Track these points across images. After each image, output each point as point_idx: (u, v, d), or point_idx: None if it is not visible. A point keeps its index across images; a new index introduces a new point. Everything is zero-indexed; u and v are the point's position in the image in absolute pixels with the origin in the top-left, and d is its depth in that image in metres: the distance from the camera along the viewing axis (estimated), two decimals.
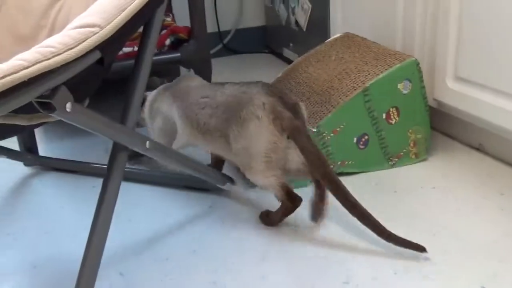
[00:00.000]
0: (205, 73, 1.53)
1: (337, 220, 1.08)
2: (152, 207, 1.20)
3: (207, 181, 1.11)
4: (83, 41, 0.59)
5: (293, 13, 2.05)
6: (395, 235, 0.96)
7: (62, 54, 0.58)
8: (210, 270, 0.96)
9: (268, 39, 2.41)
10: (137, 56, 0.85)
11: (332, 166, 1.23)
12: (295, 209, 1.06)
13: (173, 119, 1.16)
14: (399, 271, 0.92)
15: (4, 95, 0.58)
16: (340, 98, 1.23)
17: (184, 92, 1.16)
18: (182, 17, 1.82)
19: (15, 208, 1.22)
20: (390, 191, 1.20)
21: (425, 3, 1.32)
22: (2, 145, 1.31)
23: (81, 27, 0.61)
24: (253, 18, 2.43)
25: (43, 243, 1.08)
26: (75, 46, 0.59)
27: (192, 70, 1.52)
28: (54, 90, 0.62)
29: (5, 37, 1.02)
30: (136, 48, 1.43)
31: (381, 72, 1.23)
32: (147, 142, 0.84)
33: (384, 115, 1.25)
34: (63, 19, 0.97)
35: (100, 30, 0.61)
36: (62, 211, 1.20)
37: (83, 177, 1.34)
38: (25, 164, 1.40)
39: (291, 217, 1.10)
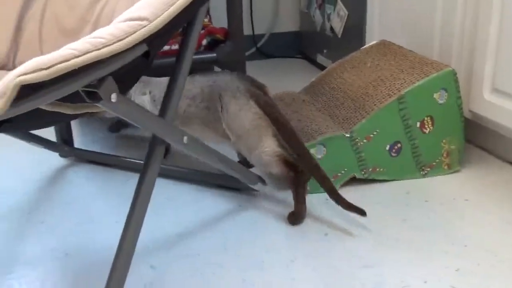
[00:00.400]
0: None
1: (369, 229, 1.08)
2: (182, 203, 1.21)
3: (239, 179, 1.12)
4: (132, 34, 0.61)
5: (329, 19, 2.05)
6: (342, 198, 1.08)
7: (112, 45, 0.59)
8: (240, 268, 0.97)
9: (302, 45, 2.41)
10: (179, 53, 0.86)
11: (363, 172, 1.23)
12: (300, 179, 1.12)
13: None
14: (430, 280, 0.92)
15: (54, 83, 0.60)
16: (375, 104, 1.22)
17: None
18: (218, 19, 1.84)
19: (50, 198, 1.25)
20: (421, 200, 1.19)
21: (464, 12, 1.31)
22: (41, 136, 1.34)
23: (130, 20, 0.62)
24: (288, 23, 2.44)
25: (75, 232, 1.10)
26: (124, 38, 0.60)
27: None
28: (101, 80, 0.63)
29: (51, 30, 1.05)
30: (173, 47, 1.46)
31: (417, 80, 1.22)
32: (185, 137, 0.85)
33: (418, 124, 1.24)
34: (108, 14, 0.99)
35: (149, 24, 0.62)
36: (94, 202, 1.22)
37: (116, 171, 1.37)
38: (61, 155, 1.43)
39: (321, 222, 1.10)
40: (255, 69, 2.23)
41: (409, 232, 1.06)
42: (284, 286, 0.92)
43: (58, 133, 1.44)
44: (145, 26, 0.62)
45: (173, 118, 0.83)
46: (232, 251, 1.02)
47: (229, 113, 1.12)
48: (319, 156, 1.20)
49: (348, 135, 1.20)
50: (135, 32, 0.61)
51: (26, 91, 0.59)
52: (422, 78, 1.23)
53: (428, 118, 1.25)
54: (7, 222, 1.15)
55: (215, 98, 1.14)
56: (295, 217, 1.11)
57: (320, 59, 2.18)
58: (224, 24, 1.52)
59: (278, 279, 0.94)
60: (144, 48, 0.64)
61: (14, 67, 1.04)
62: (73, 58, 0.58)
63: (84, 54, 0.58)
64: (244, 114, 1.12)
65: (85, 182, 1.32)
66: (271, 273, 0.95)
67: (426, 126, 1.25)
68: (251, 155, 1.14)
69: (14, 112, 0.60)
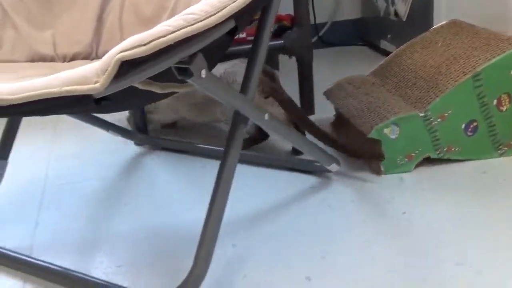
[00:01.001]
0: (306, 61, 1.56)
1: (447, 208, 1.07)
2: (255, 187, 1.23)
3: (316, 160, 1.13)
4: (223, 9, 0.63)
5: (393, 4, 2.02)
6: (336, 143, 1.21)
7: (204, 21, 0.62)
8: (319, 248, 0.98)
9: (364, 31, 2.39)
10: (256, 35, 0.88)
11: (438, 152, 1.22)
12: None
13: None
14: None
15: (150, 59, 0.63)
16: (449, 82, 1.20)
17: None
18: (284, 6, 1.85)
19: (129, 183, 1.30)
20: (498, 180, 1.16)
21: None
22: (117, 125, 1.40)
23: None
24: (350, 11, 2.42)
25: (155, 216, 1.14)
26: (216, 13, 0.62)
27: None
28: (192, 56, 0.66)
29: (130, 19, 1.10)
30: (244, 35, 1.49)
31: (493, 57, 1.19)
32: (266, 114, 0.87)
33: (494, 102, 1.21)
34: (185, 1, 1.03)
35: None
36: (172, 187, 1.26)
37: (191, 157, 1.41)
38: (136, 144, 1.49)
39: (399, 203, 1.10)
40: (317, 58, 2.21)
41: (488, 211, 1.04)
42: (365, 265, 0.92)
43: (133, 122, 1.49)
44: (235, 1, 0.64)
45: (253, 96, 0.85)
46: (309, 232, 1.03)
47: None
48: (393, 136, 1.19)
49: (422, 114, 1.18)
50: (225, 7, 0.63)
51: (125, 68, 0.62)
52: (498, 54, 1.19)
53: (505, 95, 1.21)
54: (93, 205, 1.21)
55: (229, 82, 1.34)
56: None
57: (384, 44, 2.15)
58: (290, 11, 1.54)
59: (358, 258, 0.94)
60: (232, 24, 0.67)
61: (97, 56, 1.09)
62: (168, 34, 0.61)
63: (178, 29, 0.61)
64: None
65: (163, 168, 1.36)
66: (351, 253, 0.96)
67: (503, 103, 1.22)
68: None
69: (113, 89, 0.63)
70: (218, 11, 0.63)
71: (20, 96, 0.63)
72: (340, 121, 1.45)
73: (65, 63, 1.07)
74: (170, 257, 0.99)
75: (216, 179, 0.83)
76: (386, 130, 1.18)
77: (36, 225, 1.13)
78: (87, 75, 0.63)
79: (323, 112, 1.56)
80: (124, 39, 1.09)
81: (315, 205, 1.13)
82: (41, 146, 1.55)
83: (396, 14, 2.00)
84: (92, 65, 0.65)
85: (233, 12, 0.64)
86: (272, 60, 1.87)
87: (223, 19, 0.63)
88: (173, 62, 0.65)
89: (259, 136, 1.40)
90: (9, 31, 1.04)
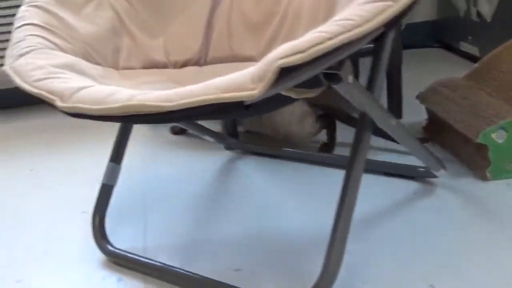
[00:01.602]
0: (396, 64, 1.54)
1: None
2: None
3: (426, 165, 1.11)
4: (379, 15, 0.63)
5: (475, 4, 1.98)
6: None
7: (362, 27, 0.62)
8: (436, 254, 0.97)
9: (441, 33, 2.35)
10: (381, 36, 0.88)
11: None
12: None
13: None
14: None
15: (304, 65, 0.63)
16: None
17: None
18: None
19: (226, 187, 1.31)
20: None
21: None
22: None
23: (374, 1, 0.64)
24: (424, 12, 2.38)
25: (260, 220, 1.15)
26: (372, 19, 0.62)
27: None
28: (341, 62, 0.66)
29: (238, 25, 1.11)
30: None
31: None
32: (393, 120, 0.86)
33: None
34: (297, 5, 1.03)
35: (394, 5, 0.64)
36: (270, 191, 1.27)
37: (282, 162, 1.41)
38: (226, 148, 1.51)
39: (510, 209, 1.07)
40: None
41: None
42: (490, 272, 0.90)
43: (224, 126, 1.51)
44: (391, 7, 0.63)
45: (379, 98, 0.85)
46: (422, 238, 1.02)
47: None
48: (500, 141, 1.16)
49: None
50: (381, 13, 0.63)
51: (282, 74, 0.63)
52: None
53: None
54: (195, 208, 1.22)
55: None
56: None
57: (465, 46, 2.11)
58: None
59: (481, 264, 0.92)
60: (380, 29, 0.66)
61: (206, 62, 1.11)
62: (326, 41, 0.61)
63: (336, 36, 0.61)
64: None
65: (256, 172, 1.37)
66: (471, 260, 0.94)
67: None
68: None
69: (267, 95, 0.64)
70: (375, 17, 0.63)
71: (179, 103, 0.64)
72: (435, 125, 1.42)
73: (177, 70, 1.09)
74: (285, 261, 0.99)
75: (344, 182, 0.83)
76: (493, 135, 1.15)
77: (145, 227, 1.16)
78: (241, 82, 0.64)
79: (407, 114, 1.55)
80: (233, 45, 1.12)
81: (422, 211, 1.11)
82: (139, 149, 1.59)
83: (478, 14, 1.96)
84: (244, 72, 0.66)
85: (389, 19, 0.64)
86: (353, 64, 1.86)
87: (380, 25, 0.63)
88: (323, 68, 0.65)
89: (332, 142, 1.41)
90: (126, 39, 1.07)
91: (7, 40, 1.72)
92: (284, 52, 0.62)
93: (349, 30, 0.62)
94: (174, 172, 1.42)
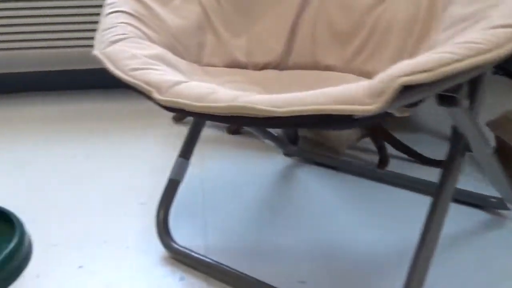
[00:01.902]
0: None
1: None
2: (418, 215, 1.19)
3: (504, 196, 1.08)
4: (510, 42, 0.60)
5: None
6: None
7: (492, 52, 0.59)
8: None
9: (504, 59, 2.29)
10: None
11: None
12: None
13: None
14: None
15: (425, 85, 0.61)
16: None
17: None
18: None
19: (284, 194, 1.29)
20: None
21: None
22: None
23: (503, 27, 0.62)
24: None
25: (321, 232, 1.13)
26: (503, 46, 0.60)
27: None
28: (459, 85, 0.64)
29: (323, 33, 1.09)
30: None
31: None
32: (489, 148, 0.83)
33: None
34: (388, 20, 1.00)
35: None
36: (332, 204, 1.25)
37: (342, 174, 1.39)
38: (285, 154, 1.48)
39: None
40: None
41: None
42: None
43: (285, 132, 1.49)
44: None
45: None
46: (500, 273, 0.98)
47: None
48: None
49: None
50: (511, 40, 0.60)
51: (402, 92, 0.60)
52: None
53: None
54: (254, 212, 1.21)
55: None
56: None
57: None
58: None
59: None
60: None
61: (287, 67, 1.09)
62: (454, 63, 0.58)
63: (464, 59, 0.59)
64: None
65: (316, 182, 1.35)
66: None
67: None
68: None
69: (383, 110, 0.62)
70: (507, 43, 0.60)
71: (288, 110, 0.62)
72: (505, 154, 1.38)
73: (257, 72, 1.08)
74: (353, 280, 0.97)
75: (432, 205, 0.80)
76: None
77: (205, 225, 1.14)
78: (355, 95, 0.62)
79: None
80: (316, 52, 1.10)
81: (493, 242, 1.08)
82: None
83: None
84: (358, 84, 0.64)
85: None
86: None
87: (509, 52, 0.60)
88: (442, 89, 0.63)
89: (384, 159, 1.39)
90: (210, 35, 1.05)
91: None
92: (407, 69, 0.60)
93: (478, 54, 0.59)
94: (233, 172, 1.40)
